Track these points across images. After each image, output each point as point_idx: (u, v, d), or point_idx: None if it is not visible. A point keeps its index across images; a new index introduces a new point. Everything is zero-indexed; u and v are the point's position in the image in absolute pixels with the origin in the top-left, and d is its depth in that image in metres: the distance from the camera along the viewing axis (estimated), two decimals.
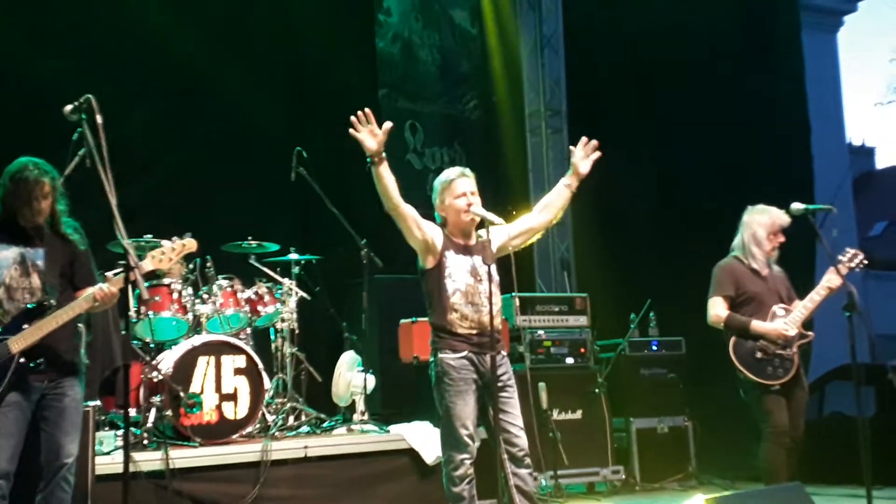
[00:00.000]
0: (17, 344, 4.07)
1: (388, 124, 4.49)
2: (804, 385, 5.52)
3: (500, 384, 4.48)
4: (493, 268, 4.51)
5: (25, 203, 4.19)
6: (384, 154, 4.49)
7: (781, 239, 5.56)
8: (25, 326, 4.08)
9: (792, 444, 5.32)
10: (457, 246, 4.65)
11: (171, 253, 4.41)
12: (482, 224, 4.55)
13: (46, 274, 4.23)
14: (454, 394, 4.50)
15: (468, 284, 4.56)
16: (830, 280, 5.35)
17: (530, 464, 4.56)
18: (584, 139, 4.83)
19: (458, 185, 4.66)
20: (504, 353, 4.65)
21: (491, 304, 4.43)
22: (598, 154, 4.79)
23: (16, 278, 4.18)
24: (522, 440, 4.53)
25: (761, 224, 5.55)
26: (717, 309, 5.51)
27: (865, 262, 5.46)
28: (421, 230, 4.58)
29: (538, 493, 4.69)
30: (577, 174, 4.80)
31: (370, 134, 4.49)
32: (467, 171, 4.76)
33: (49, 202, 4.25)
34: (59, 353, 4.20)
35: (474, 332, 4.55)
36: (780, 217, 5.53)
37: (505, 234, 4.68)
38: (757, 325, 5.38)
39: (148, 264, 4.34)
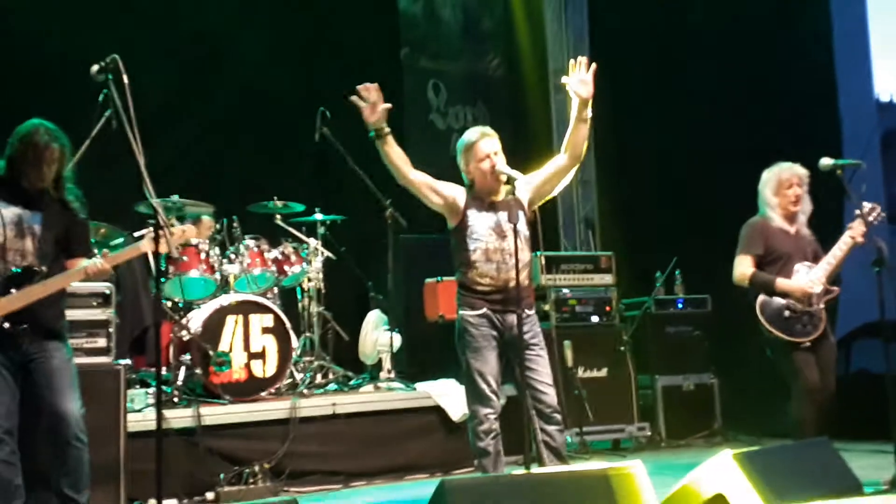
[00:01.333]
0: (1, 308, 4.03)
1: (386, 105, 4.46)
2: (832, 341, 5.49)
3: (525, 342, 4.47)
4: (522, 224, 4.50)
5: (32, 166, 4.15)
6: (387, 129, 4.46)
7: (798, 192, 5.47)
8: (13, 291, 4.05)
9: (823, 401, 5.31)
10: (481, 203, 4.62)
11: (170, 238, 4.23)
12: (509, 181, 4.52)
13: (41, 239, 4.19)
14: (473, 350, 4.54)
15: (490, 242, 4.55)
16: (852, 232, 5.31)
17: (559, 420, 4.57)
18: (571, 62, 4.72)
19: (481, 148, 4.61)
20: (529, 311, 4.60)
21: (517, 260, 4.42)
22: (593, 68, 4.67)
23: (10, 238, 4.14)
24: (550, 397, 4.53)
25: (766, 183, 5.54)
26: (743, 267, 5.47)
27: (884, 214, 5.40)
28: (438, 193, 4.59)
29: (566, 450, 4.69)
30: (582, 100, 4.63)
31: (371, 108, 4.45)
32: (488, 129, 4.72)
33: (56, 168, 4.20)
34: (44, 318, 4.16)
35: (494, 289, 4.54)
36: (782, 171, 5.48)
37: (531, 186, 4.66)
38: (782, 282, 5.34)
39: (146, 245, 4.28)
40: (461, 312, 4.61)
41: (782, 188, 5.48)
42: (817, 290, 5.32)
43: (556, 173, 4.72)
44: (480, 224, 4.58)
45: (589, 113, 4.64)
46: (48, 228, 4.22)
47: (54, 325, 4.24)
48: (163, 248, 4.18)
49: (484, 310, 4.55)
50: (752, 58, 8.79)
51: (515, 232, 4.42)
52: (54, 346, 4.19)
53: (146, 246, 4.27)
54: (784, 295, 5.33)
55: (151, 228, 4.20)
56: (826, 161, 5.40)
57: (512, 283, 4.49)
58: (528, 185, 4.65)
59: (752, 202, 5.67)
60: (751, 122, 8.66)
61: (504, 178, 4.54)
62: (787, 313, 5.33)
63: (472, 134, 4.71)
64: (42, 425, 4.15)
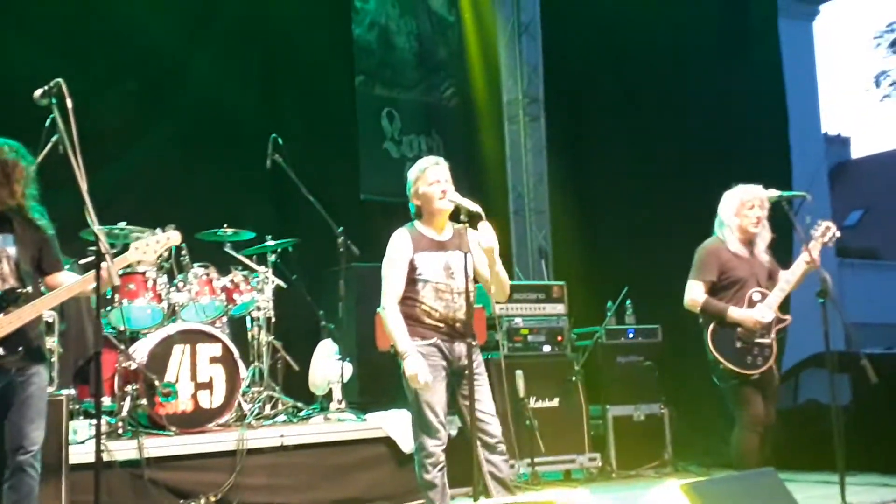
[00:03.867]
0: None
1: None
2: (776, 372, 5.50)
3: (471, 371, 4.48)
4: (470, 257, 4.49)
5: (2, 185, 4.12)
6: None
7: (759, 214, 5.42)
8: (1, 315, 4.00)
9: (764, 431, 5.32)
10: (428, 243, 4.65)
11: (155, 245, 4.33)
12: (457, 216, 4.54)
13: (18, 260, 4.15)
14: (413, 381, 4.50)
15: (439, 281, 4.60)
16: (805, 257, 5.28)
17: (504, 451, 4.58)
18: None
19: (431, 173, 4.65)
20: (474, 342, 4.61)
21: (468, 294, 4.43)
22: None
23: None
24: (494, 427, 4.56)
25: (727, 205, 5.48)
26: (695, 293, 5.40)
27: (838, 234, 5.38)
28: (405, 267, 4.60)
29: (514, 480, 4.68)
30: (485, 250, 4.58)
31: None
32: (441, 160, 4.76)
33: (21, 186, 4.18)
34: (30, 340, 4.14)
35: (442, 324, 4.60)
36: (745, 192, 5.43)
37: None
38: (734, 312, 5.29)
39: (132, 255, 4.28)
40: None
41: (743, 208, 5.41)
42: (769, 319, 5.31)
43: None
44: (428, 265, 4.61)
45: (496, 261, 4.59)
46: (23, 249, 4.18)
47: (38, 346, 4.22)
48: (149, 256, 4.33)
49: (434, 339, 4.58)
50: (705, 90, 8.94)
51: (466, 268, 4.44)
52: (36, 370, 4.16)
53: (133, 256, 4.30)
54: (736, 325, 5.32)
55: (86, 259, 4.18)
56: (772, 193, 5.45)
57: (458, 318, 4.57)
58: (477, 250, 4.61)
59: (703, 231, 5.68)
60: (702, 153, 8.78)
61: (452, 207, 4.58)
62: (738, 344, 5.29)
63: (423, 162, 4.77)
64: (3, 448, 4.09)
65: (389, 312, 4.60)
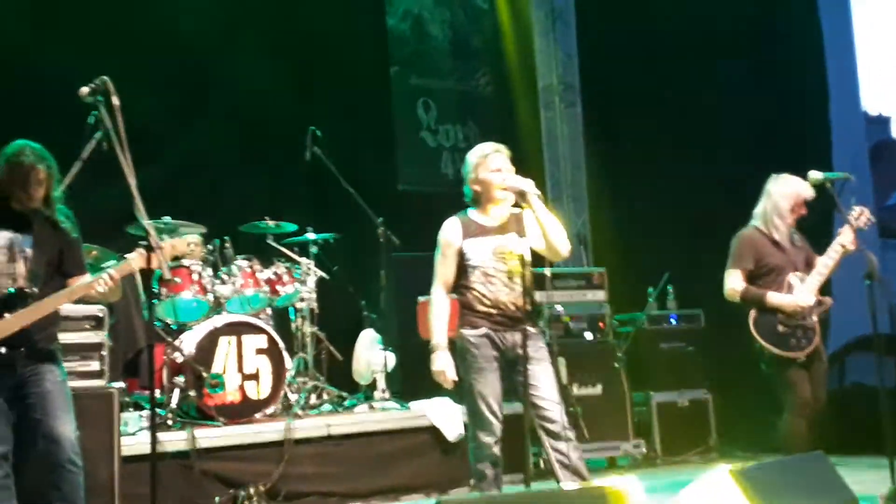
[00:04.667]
0: None
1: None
2: (824, 355, 5.47)
3: (527, 357, 4.42)
4: (524, 245, 4.46)
5: (20, 188, 4.11)
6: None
7: (804, 211, 5.46)
8: (6, 315, 3.99)
9: (814, 415, 5.30)
10: (478, 228, 4.61)
11: (160, 253, 4.19)
12: (523, 196, 4.47)
13: (33, 261, 4.14)
14: (475, 370, 4.51)
15: (488, 266, 4.54)
16: (842, 239, 5.26)
17: (570, 436, 4.47)
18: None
19: (493, 161, 4.61)
20: (532, 329, 4.56)
21: (525, 282, 4.42)
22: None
23: (2, 263, 4.09)
24: (555, 412, 4.45)
25: (785, 195, 5.42)
26: (734, 282, 5.41)
27: (872, 219, 5.36)
28: (454, 255, 4.60)
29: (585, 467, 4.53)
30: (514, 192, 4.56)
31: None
32: (502, 147, 4.71)
33: (44, 189, 4.16)
34: (36, 341, 4.10)
35: (493, 310, 4.53)
36: (805, 189, 5.40)
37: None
38: (773, 297, 5.29)
39: (137, 262, 4.22)
40: (462, 331, 4.58)
41: (798, 205, 5.43)
42: (809, 303, 5.29)
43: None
44: (477, 251, 4.57)
45: (533, 201, 4.48)
46: (40, 250, 4.17)
47: (48, 347, 4.19)
48: (154, 263, 4.13)
49: (485, 329, 4.53)
50: (743, 73, 8.85)
51: (522, 255, 4.44)
52: (47, 369, 4.13)
53: (137, 262, 4.20)
54: (776, 310, 5.31)
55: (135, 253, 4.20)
56: (815, 174, 5.40)
57: (511, 304, 4.50)
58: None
59: (744, 215, 5.65)
60: (741, 135, 8.70)
61: (513, 193, 4.52)
62: (780, 328, 5.28)
63: (486, 147, 4.71)
64: (37, 448, 4.09)
65: (434, 300, 4.61)
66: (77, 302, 4.54)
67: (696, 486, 4.00)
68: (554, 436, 4.44)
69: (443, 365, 4.49)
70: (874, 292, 5.15)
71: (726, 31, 8.90)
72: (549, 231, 4.50)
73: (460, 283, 4.61)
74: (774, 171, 5.59)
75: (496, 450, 4.52)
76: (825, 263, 5.32)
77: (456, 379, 4.50)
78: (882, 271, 5.25)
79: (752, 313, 5.36)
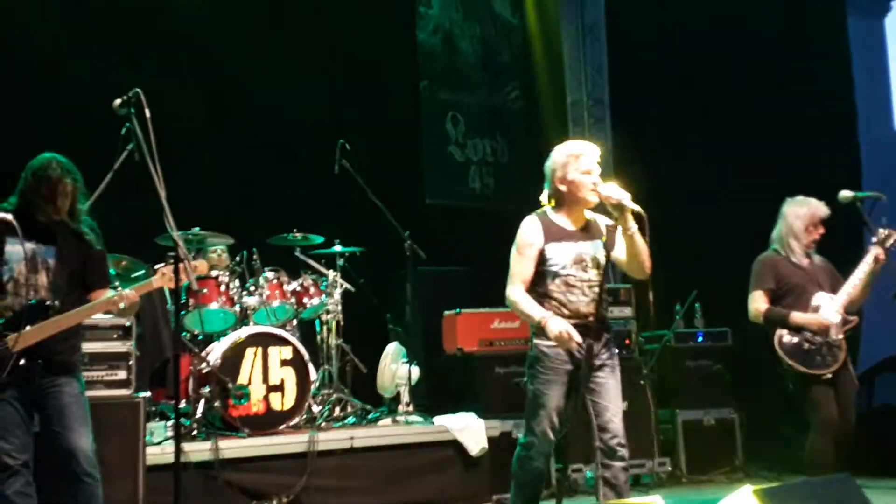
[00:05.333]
0: (16, 342, 4.00)
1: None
2: (852, 374, 5.42)
3: (598, 363, 4.29)
4: (603, 253, 4.29)
5: (47, 200, 4.15)
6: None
7: (821, 230, 5.44)
8: (28, 327, 4.02)
9: (841, 436, 5.24)
10: (560, 231, 4.39)
11: (187, 264, 4.23)
12: (619, 209, 4.19)
13: (55, 273, 4.18)
14: (543, 381, 4.32)
15: (570, 274, 4.33)
16: (868, 260, 5.25)
17: (625, 455, 4.29)
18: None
19: (585, 161, 4.36)
20: (607, 335, 4.39)
21: (602, 290, 4.30)
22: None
23: (24, 274, 4.11)
24: (616, 425, 4.27)
25: (799, 216, 5.45)
26: (757, 303, 5.43)
27: None
28: (535, 257, 4.37)
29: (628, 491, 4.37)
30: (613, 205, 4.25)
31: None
32: (595, 147, 4.47)
33: (69, 201, 4.20)
34: (58, 353, 4.14)
35: (572, 320, 4.27)
36: (819, 209, 5.42)
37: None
38: (796, 316, 5.29)
39: (157, 282, 4.28)
40: (536, 341, 4.38)
41: (814, 225, 5.43)
42: (835, 321, 5.26)
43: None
44: (560, 255, 4.35)
45: (630, 224, 4.24)
46: (62, 262, 4.21)
47: (68, 359, 4.22)
48: (182, 280, 4.19)
49: None
50: (771, 90, 8.82)
51: (601, 262, 4.29)
52: (66, 381, 4.16)
53: (157, 282, 4.27)
54: (800, 328, 5.27)
55: (163, 264, 4.23)
56: (846, 193, 5.38)
57: (590, 314, 4.30)
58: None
59: (769, 232, 5.64)
60: (770, 154, 8.67)
61: (605, 196, 4.25)
62: (805, 346, 5.27)
63: (577, 145, 4.48)
64: (54, 460, 4.13)
65: (516, 293, 4.34)
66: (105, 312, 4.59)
67: None
68: (609, 451, 4.25)
69: (561, 326, 4.16)
70: None
71: (755, 48, 8.88)
72: (641, 249, 4.28)
73: (536, 290, 4.37)
74: (802, 190, 5.57)
75: (540, 462, 4.44)
76: (853, 283, 5.31)
77: (580, 339, 4.17)
78: None
79: (777, 331, 5.33)
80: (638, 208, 4.18)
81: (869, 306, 5.65)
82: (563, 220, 4.44)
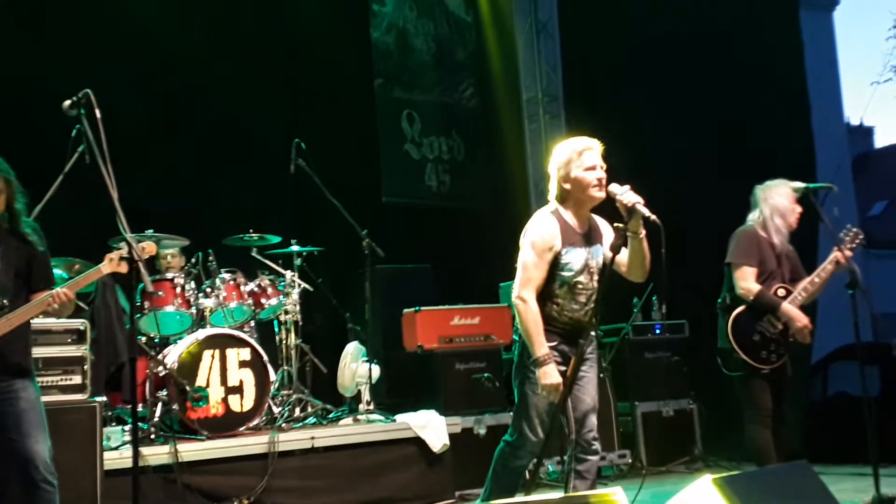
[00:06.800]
0: None
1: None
2: (788, 369, 5.41)
3: (581, 359, 4.18)
4: (601, 259, 4.23)
5: None
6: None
7: (800, 209, 5.41)
8: None
9: (777, 426, 5.27)
10: (574, 235, 4.27)
11: (141, 265, 4.16)
12: (632, 213, 4.06)
13: (1, 274, 4.06)
14: (535, 383, 4.20)
15: (579, 281, 4.25)
16: (833, 260, 5.23)
17: (598, 449, 4.30)
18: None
19: (589, 157, 4.24)
20: (592, 333, 4.30)
21: (599, 295, 4.20)
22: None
23: None
24: (591, 419, 4.28)
25: (781, 194, 5.37)
26: (749, 281, 5.26)
27: (865, 240, 5.37)
28: (550, 259, 4.22)
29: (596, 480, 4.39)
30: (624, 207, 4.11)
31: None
32: (597, 143, 4.33)
33: (2, 200, 4.06)
34: (10, 354, 4.04)
35: (570, 325, 4.25)
36: (793, 184, 5.40)
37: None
38: (787, 308, 5.21)
39: (106, 267, 4.19)
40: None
41: (793, 200, 5.38)
42: (808, 325, 5.25)
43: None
44: (574, 261, 4.24)
45: (641, 229, 4.14)
46: (7, 263, 4.09)
47: (21, 361, 4.13)
48: (123, 268, 4.12)
49: (556, 343, 4.23)
50: (725, 83, 8.90)
51: (601, 269, 4.19)
52: (22, 386, 4.07)
53: (106, 268, 4.18)
54: (781, 319, 5.24)
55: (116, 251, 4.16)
56: (798, 184, 5.42)
57: (584, 318, 4.26)
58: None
59: (726, 226, 5.66)
60: (723, 146, 8.75)
61: (622, 206, 4.08)
62: (756, 337, 5.28)
63: (579, 141, 4.34)
64: (11, 468, 4.04)
65: (529, 306, 4.17)
66: (70, 315, 4.50)
67: (680, 496, 3.99)
68: (585, 445, 4.24)
69: (557, 377, 4.09)
70: (857, 302, 5.17)
71: (706, 42, 8.96)
72: (646, 254, 4.20)
73: (543, 293, 4.24)
74: (757, 181, 5.61)
75: (526, 461, 4.41)
76: (813, 281, 5.29)
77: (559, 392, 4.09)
78: (865, 281, 5.28)
79: (734, 315, 5.32)
80: (654, 217, 4.02)
81: (824, 297, 5.71)
82: (573, 219, 4.32)
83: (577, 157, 4.26)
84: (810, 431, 7.50)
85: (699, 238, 7.26)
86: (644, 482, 6.91)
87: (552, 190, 4.38)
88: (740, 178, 5.89)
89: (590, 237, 4.32)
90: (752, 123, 8.80)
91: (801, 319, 5.22)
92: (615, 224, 4.15)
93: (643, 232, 4.15)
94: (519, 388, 4.36)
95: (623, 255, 4.24)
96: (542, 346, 4.15)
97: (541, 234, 4.25)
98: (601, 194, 4.22)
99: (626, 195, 4.07)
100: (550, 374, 4.11)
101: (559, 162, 4.32)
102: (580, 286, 4.25)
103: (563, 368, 4.16)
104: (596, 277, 4.27)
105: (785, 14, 9.33)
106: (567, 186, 4.29)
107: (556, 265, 4.22)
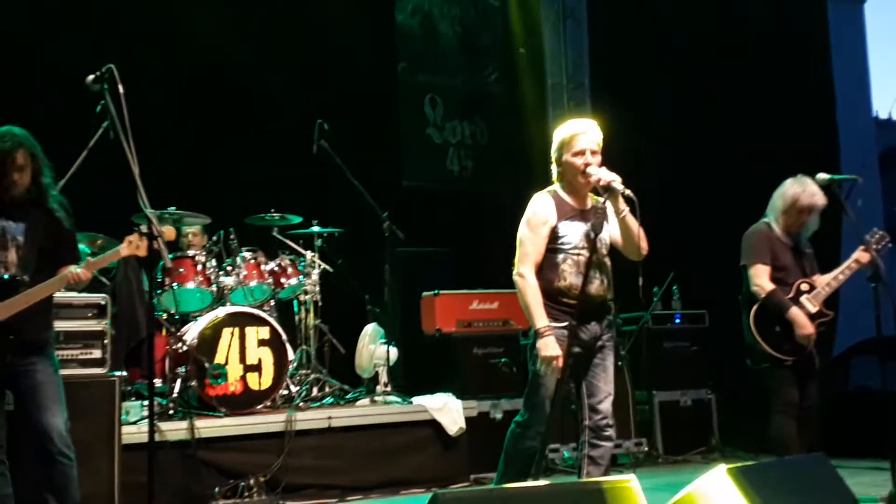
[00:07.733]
0: None
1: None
2: (816, 361, 5.39)
3: (599, 344, 4.33)
4: (606, 233, 4.30)
5: (1, 175, 4.04)
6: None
7: (806, 220, 5.36)
8: None
9: (803, 418, 5.25)
10: (571, 210, 4.34)
11: (160, 241, 4.20)
12: (609, 190, 4.17)
13: (25, 249, 4.09)
14: (546, 363, 4.23)
15: (580, 253, 4.29)
16: (858, 258, 5.20)
17: (612, 435, 4.35)
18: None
19: (578, 142, 4.30)
20: (609, 317, 4.41)
21: (608, 271, 4.30)
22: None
23: None
24: (606, 406, 4.32)
25: (797, 195, 5.32)
26: (763, 279, 5.26)
27: (891, 243, 5.32)
28: (547, 234, 4.30)
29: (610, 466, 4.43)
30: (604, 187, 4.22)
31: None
32: (593, 125, 4.38)
33: (26, 174, 4.07)
34: (29, 329, 4.07)
35: (576, 301, 4.23)
36: (813, 198, 5.32)
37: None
38: (795, 312, 5.19)
39: (124, 250, 4.22)
40: None
41: (803, 212, 5.33)
42: (813, 311, 5.24)
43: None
44: (571, 234, 4.31)
45: (622, 206, 4.23)
46: (31, 238, 4.12)
47: (39, 337, 4.16)
48: (142, 251, 4.15)
49: (568, 322, 4.23)
50: (751, 74, 8.83)
51: (596, 245, 4.21)
52: (39, 360, 4.11)
53: (125, 250, 4.21)
54: (787, 319, 5.21)
55: (135, 234, 4.18)
56: (823, 176, 5.36)
57: (597, 295, 4.30)
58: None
59: (750, 217, 5.63)
60: (749, 138, 8.69)
61: (594, 180, 4.22)
62: (778, 328, 5.26)
63: (572, 125, 4.40)
64: (28, 441, 4.09)
65: (528, 281, 4.25)
66: (85, 290, 4.53)
67: (695, 485, 3.98)
68: (598, 431, 4.30)
69: (553, 350, 4.14)
70: (880, 296, 5.12)
71: (734, 33, 8.88)
72: (634, 230, 4.25)
73: (545, 269, 4.30)
74: (781, 174, 5.56)
75: (536, 442, 4.37)
76: (836, 277, 5.26)
77: (560, 366, 4.15)
78: (888, 275, 5.23)
79: (756, 307, 5.30)
80: (628, 192, 4.16)
81: (846, 290, 5.67)
82: (571, 198, 4.39)
83: (568, 140, 4.35)
84: (830, 424, 7.45)
85: (719, 227, 7.20)
86: (660, 471, 6.95)
87: (553, 171, 4.48)
88: (763, 168, 5.85)
89: (589, 214, 4.36)
90: (778, 114, 8.73)
91: (807, 328, 5.17)
92: (595, 203, 4.29)
93: (626, 209, 4.23)
94: (531, 368, 4.39)
95: (616, 234, 4.37)
96: (541, 318, 4.22)
97: (534, 210, 4.37)
98: (586, 179, 4.30)
99: (600, 173, 4.21)
100: (549, 346, 4.18)
101: (555, 145, 4.43)
102: (581, 258, 4.28)
103: (573, 349, 4.18)
104: (602, 250, 4.32)
105: (812, 6, 9.23)
106: (560, 169, 4.41)
107: (555, 239, 4.30)
